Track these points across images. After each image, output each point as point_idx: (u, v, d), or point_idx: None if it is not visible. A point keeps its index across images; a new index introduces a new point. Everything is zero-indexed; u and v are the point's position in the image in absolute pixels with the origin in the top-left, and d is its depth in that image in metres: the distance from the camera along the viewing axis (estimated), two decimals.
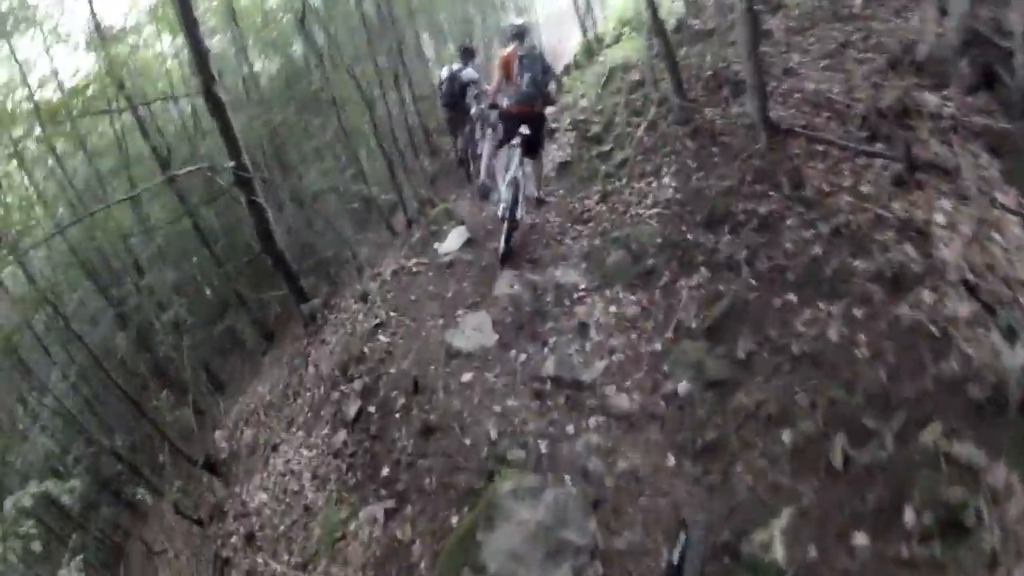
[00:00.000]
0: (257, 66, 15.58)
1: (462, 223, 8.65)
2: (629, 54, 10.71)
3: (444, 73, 10.78)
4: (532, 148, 7.78)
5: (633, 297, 6.26)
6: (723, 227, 6.19)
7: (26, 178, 14.55)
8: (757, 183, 6.22)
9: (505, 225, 7.42)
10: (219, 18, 13.77)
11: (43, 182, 15.13)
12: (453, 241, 8.26)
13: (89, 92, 12.74)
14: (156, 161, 12.83)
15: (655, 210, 6.87)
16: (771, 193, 6.08)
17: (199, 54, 8.34)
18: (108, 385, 11.99)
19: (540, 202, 8.41)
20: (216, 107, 8.64)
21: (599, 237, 7.16)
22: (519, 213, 7.63)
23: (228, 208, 12.92)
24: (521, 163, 7.59)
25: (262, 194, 9.18)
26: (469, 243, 8.19)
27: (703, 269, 6.04)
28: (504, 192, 7.54)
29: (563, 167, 9.17)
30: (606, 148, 8.70)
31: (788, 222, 5.80)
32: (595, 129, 9.20)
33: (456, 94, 10.49)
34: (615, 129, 8.87)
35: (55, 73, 13.76)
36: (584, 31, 16.56)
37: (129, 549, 11.94)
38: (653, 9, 7.59)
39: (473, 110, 10.46)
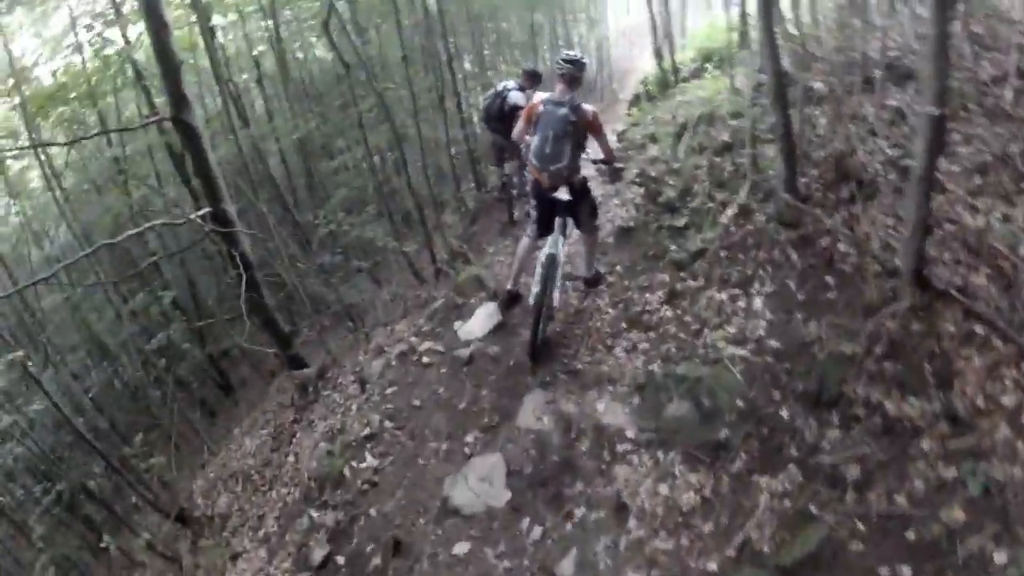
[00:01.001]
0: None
1: (494, 298, 7.19)
2: (714, 99, 9.19)
3: (498, 87, 9.30)
4: (577, 217, 6.34)
5: (693, 477, 4.74)
6: (832, 413, 4.65)
7: None
8: (890, 359, 4.63)
9: (533, 317, 6.03)
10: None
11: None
12: (478, 324, 6.85)
13: None
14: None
15: (740, 350, 5.31)
16: (907, 384, 4.51)
17: (169, 68, 6.73)
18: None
19: (592, 282, 6.93)
20: (188, 138, 7.02)
21: (660, 362, 5.64)
22: (555, 299, 6.22)
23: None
24: (560, 234, 6.19)
25: (251, 235, 7.70)
26: (498, 329, 6.77)
27: (793, 469, 4.47)
28: (537, 272, 6.07)
29: (624, 234, 7.72)
30: (680, 223, 7.23)
31: (924, 443, 4.22)
32: (668, 192, 7.70)
33: (497, 116, 9.01)
34: (693, 199, 7.39)
35: None
36: (659, 57, 14.73)
37: None
38: (775, 59, 5.92)
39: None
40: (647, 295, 6.50)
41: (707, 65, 12.85)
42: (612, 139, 8.39)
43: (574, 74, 5.91)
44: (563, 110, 5.77)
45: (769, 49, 5.82)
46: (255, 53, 13.24)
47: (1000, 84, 5.99)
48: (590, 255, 6.82)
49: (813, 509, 4.17)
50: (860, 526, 3.97)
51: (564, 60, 5.98)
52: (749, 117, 7.08)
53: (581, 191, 6.17)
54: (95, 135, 10.17)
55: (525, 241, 6.58)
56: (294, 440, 7.62)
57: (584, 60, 6.12)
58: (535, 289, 6.00)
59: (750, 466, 4.62)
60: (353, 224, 9.58)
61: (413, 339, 7.09)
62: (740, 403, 4.94)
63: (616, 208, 8.30)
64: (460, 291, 7.53)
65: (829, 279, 5.47)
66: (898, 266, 4.89)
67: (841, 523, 4.01)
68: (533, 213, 6.41)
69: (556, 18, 19.30)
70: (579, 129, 5.81)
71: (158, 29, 6.64)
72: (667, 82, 13.88)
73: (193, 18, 10.23)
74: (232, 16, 12.82)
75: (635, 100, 14.24)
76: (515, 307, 6.86)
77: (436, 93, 11.37)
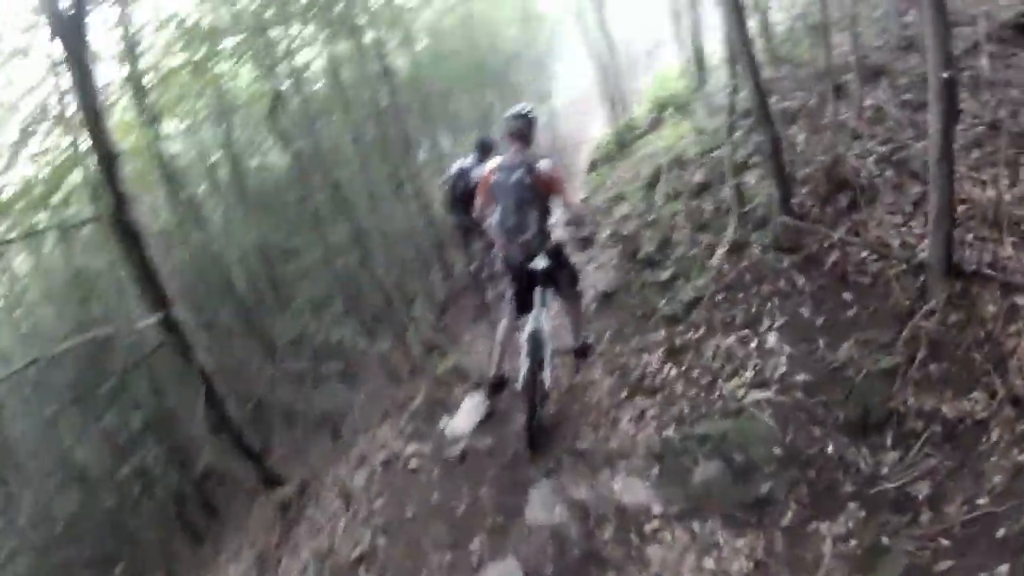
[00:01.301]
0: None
1: (477, 387, 6.60)
2: (679, 144, 8.85)
3: (453, 169, 8.86)
4: (557, 285, 5.78)
5: (741, 542, 4.10)
6: (884, 435, 4.12)
7: None
8: (934, 361, 4.16)
9: (526, 402, 5.43)
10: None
11: None
12: (465, 418, 6.25)
13: None
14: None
15: (764, 393, 4.77)
16: (959, 380, 4.03)
17: (107, 165, 6.35)
18: None
19: (582, 352, 6.37)
20: (129, 238, 6.57)
21: (674, 426, 5.07)
22: (547, 378, 5.60)
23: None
24: (541, 306, 5.61)
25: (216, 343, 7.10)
26: (488, 419, 6.16)
27: (853, 506, 3.90)
28: (523, 352, 5.50)
29: (606, 299, 7.27)
30: (663, 275, 6.81)
31: (992, 435, 3.73)
32: (646, 248, 7.36)
33: (461, 197, 8.46)
34: (674, 249, 7.03)
35: None
36: (614, 115, 14.63)
37: None
38: (754, 74, 5.59)
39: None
40: (644, 356, 5.98)
41: (667, 112, 12.59)
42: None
43: (523, 130, 5.57)
44: (517, 174, 5.35)
45: (748, 64, 5.59)
46: (210, 162, 12.84)
47: (974, 54, 5.64)
48: (576, 324, 6.32)
49: (885, 541, 3.64)
50: (943, 542, 3.45)
51: (512, 116, 5.65)
52: (724, 149, 6.67)
53: (558, 256, 5.62)
54: (27, 236, 9.47)
55: (504, 323, 5.99)
56: (280, 566, 6.92)
57: (532, 113, 5.75)
58: (523, 370, 5.44)
59: (803, 515, 4.04)
60: (319, 327, 8.93)
61: (397, 444, 6.53)
62: (777, 451, 4.39)
63: (594, 273, 7.88)
64: (441, 384, 7.01)
65: (846, 295, 5.04)
66: (923, 261, 4.52)
67: (921, 546, 3.49)
68: (508, 292, 5.92)
69: (507, 95, 19.22)
70: (539, 192, 5.37)
71: (92, 119, 6.37)
72: (624, 141, 13.56)
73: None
74: (183, 124, 12.45)
75: (592, 166, 13.89)
76: (503, 393, 6.24)
77: (395, 180, 10.91)
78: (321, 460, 8.39)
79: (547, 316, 5.69)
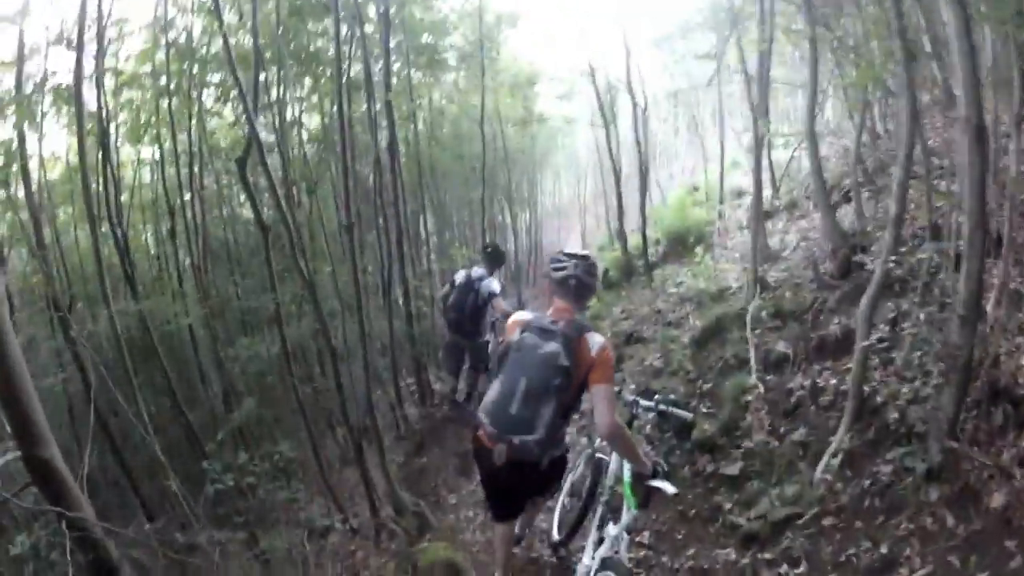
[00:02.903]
0: None
1: None
2: (733, 296, 7.65)
3: (458, 279, 7.82)
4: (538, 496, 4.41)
5: None
6: None
7: None
8: None
9: None
10: None
11: None
12: None
13: None
14: None
15: None
16: None
17: None
18: None
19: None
20: None
21: None
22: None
23: None
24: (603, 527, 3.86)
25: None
26: None
27: None
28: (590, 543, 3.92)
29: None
30: (731, 469, 5.31)
31: None
32: (704, 425, 5.78)
33: (468, 308, 7.43)
34: (744, 436, 5.54)
35: None
36: (622, 239, 13.32)
37: None
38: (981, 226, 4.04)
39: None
40: None
41: (684, 246, 11.84)
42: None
43: (582, 282, 3.76)
44: (551, 347, 3.55)
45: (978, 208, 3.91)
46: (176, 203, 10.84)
47: None
48: (531, 519, 5.02)
49: None
50: None
51: (567, 257, 3.85)
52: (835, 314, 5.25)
53: (559, 467, 4.11)
54: None
55: (499, 529, 4.30)
56: None
57: (593, 259, 3.97)
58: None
59: None
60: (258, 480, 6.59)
61: None
62: None
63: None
64: None
65: (1010, 544, 3.54)
66: None
67: None
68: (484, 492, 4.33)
69: (494, 198, 17.84)
70: (573, 379, 3.54)
71: None
72: (632, 268, 12.33)
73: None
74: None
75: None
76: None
77: (381, 277, 8.96)
78: None
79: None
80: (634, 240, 13.16)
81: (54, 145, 10.08)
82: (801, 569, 4.16)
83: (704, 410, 6.04)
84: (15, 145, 7.71)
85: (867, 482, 4.38)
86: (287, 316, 8.27)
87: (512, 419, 3.52)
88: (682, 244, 12.12)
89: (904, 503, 4.10)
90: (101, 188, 8.45)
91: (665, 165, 23.12)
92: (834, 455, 4.68)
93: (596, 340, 3.55)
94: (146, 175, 11.15)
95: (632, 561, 4.78)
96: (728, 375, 6.32)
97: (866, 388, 4.95)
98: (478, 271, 7.65)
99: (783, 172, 11.73)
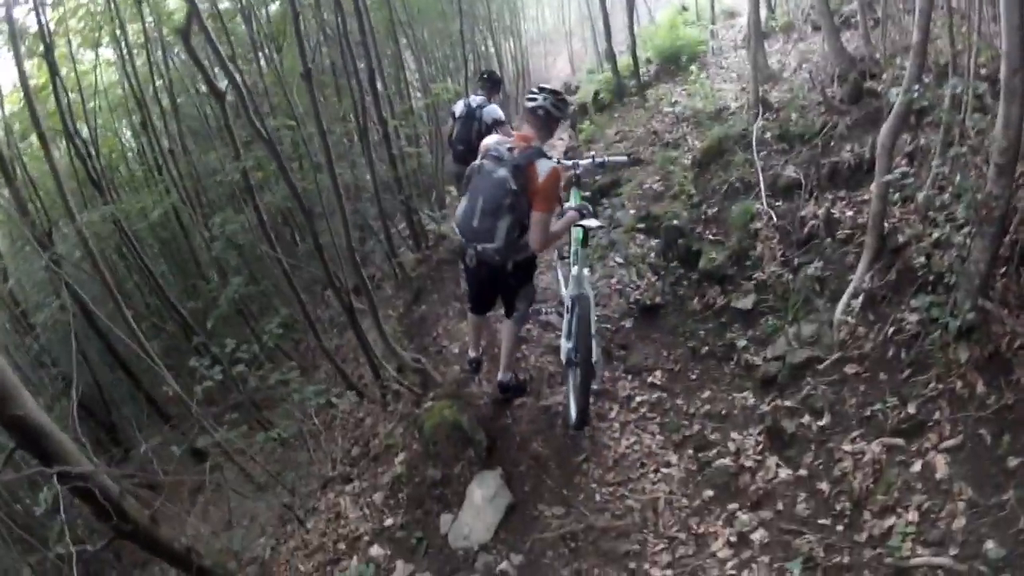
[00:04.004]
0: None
1: (488, 455, 4.73)
2: (735, 115, 7.49)
3: (458, 110, 7.41)
4: (510, 302, 4.92)
5: None
6: None
7: None
8: None
9: (578, 381, 4.47)
10: None
11: None
12: (478, 516, 4.34)
13: None
14: None
15: (940, 558, 3.13)
16: None
17: None
18: None
19: (507, 388, 5.21)
20: None
21: (801, 568, 3.40)
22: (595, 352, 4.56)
23: None
24: (583, 269, 4.79)
25: None
26: (513, 512, 4.33)
27: None
28: (565, 323, 4.83)
29: (648, 316, 5.62)
30: (743, 302, 5.21)
31: None
32: (712, 254, 5.59)
33: (473, 138, 6.79)
34: (755, 266, 5.39)
35: None
36: (611, 60, 12.72)
37: None
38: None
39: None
40: (733, 434, 4.30)
41: (676, 66, 11.50)
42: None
43: (549, 113, 4.35)
44: (502, 172, 4.17)
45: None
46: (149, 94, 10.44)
47: None
48: (511, 352, 5.17)
49: None
50: None
51: (539, 90, 4.42)
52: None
53: (524, 269, 4.76)
54: None
55: (472, 318, 5.30)
56: None
57: (564, 95, 4.55)
58: (567, 344, 4.64)
59: None
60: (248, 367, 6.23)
61: (375, 551, 4.51)
62: None
63: (620, 270, 6.02)
64: (433, 451, 4.82)
65: None
66: None
67: None
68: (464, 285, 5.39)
69: (475, 28, 16.86)
70: (522, 200, 4.19)
71: None
72: (624, 88, 11.99)
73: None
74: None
75: (581, 111, 12.07)
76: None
77: (356, 122, 8.32)
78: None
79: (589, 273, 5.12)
80: (624, 61, 12.84)
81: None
82: (824, 421, 4.12)
83: (711, 237, 5.84)
84: None
85: (891, 329, 4.24)
86: (264, 181, 8.11)
87: (475, 230, 4.29)
88: (675, 63, 11.79)
89: (932, 359, 3.96)
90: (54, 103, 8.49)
91: None
92: (854, 295, 4.54)
93: (544, 168, 4.14)
94: (114, 75, 11.10)
95: (645, 404, 4.81)
96: (734, 199, 6.11)
97: (886, 224, 4.74)
98: (477, 99, 7.35)
99: None
